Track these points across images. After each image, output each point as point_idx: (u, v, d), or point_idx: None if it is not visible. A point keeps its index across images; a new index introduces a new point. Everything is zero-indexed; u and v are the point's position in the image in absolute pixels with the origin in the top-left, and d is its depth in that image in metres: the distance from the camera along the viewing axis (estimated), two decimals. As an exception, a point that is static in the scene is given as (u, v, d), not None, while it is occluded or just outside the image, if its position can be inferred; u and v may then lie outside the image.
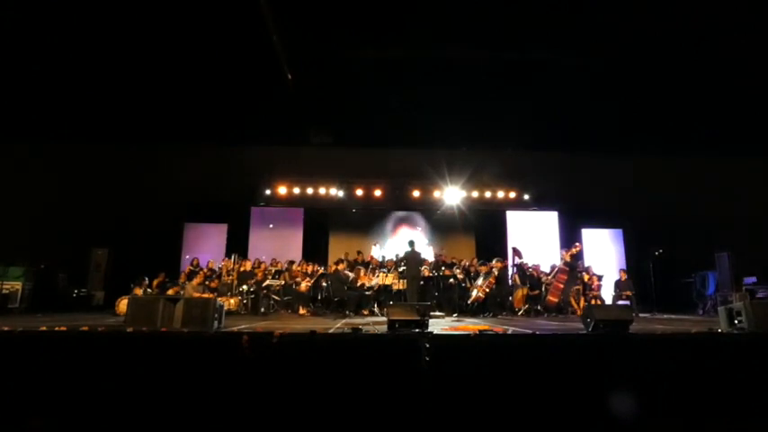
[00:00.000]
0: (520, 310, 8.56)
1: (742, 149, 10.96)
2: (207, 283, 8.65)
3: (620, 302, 9.19)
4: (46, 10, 7.00)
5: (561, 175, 11.65)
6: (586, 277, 9.18)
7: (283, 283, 8.97)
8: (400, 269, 8.73)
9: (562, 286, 8.45)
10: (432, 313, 6.62)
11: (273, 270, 9.47)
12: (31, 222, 10.32)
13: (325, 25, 7.51)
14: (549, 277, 8.96)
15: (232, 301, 8.33)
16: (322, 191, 11.89)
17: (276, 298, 8.80)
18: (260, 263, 9.64)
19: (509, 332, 4.98)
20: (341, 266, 9.08)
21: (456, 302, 8.69)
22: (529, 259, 9.83)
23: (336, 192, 11.89)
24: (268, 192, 11.91)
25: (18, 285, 8.83)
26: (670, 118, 10.00)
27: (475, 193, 11.99)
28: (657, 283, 9.77)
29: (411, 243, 8.77)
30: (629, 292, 9.33)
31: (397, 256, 10.18)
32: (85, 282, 10.09)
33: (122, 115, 10.03)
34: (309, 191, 11.85)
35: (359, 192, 11.86)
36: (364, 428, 3.60)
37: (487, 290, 8.31)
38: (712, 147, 10.80)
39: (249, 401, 3.63)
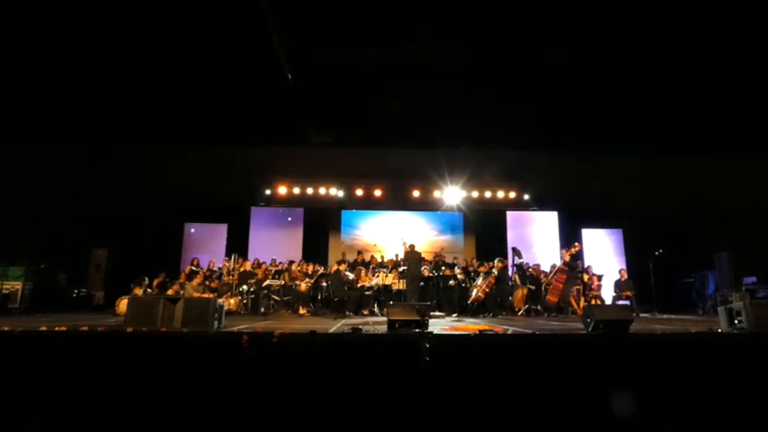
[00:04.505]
0: (520, 310, 8.55)
1: (742, 149, 10.96)
2: (207, 283, 8.65)
3: (620, 302, 9.19)
4: (49, 8, 7.00)
5: (561, 175, 11.65)
6: (586, 277, 9.18)
7: (283, 283, 8.97)
8: (400, 269, 8.73)
9: (562, 286, 8.45)
10: (432, 313, 6.64)
11: (273, 270, 9.48)
12: (31, 222, 10.31)
13: (325, 25, 7.51)
14: (549, 277, 8.96)
15: (232, 301, 8.32)
16: (322, 191, 11.90)
17: (276, 298, 8.79)
18: (260, 263, 9.64)
19: (509, 332, 4.98)
20: (341, 267, 9.08)
21: (456, 302, 8.69)
22: (529, 259, 9.82)
23: (336, 192, 11.90)
24: (268, 192, 11.92)
25: (18, 285, 8.82)
26: (670, 118, 10.00)
27: (475, 193, 12.00)
28: (657, 283, 9.76)
29: (411, 245, 8.78)
30: (629, 292, 9.33)
31: (396, 255, 10.19)
32: (85, 282, 10.08)
33: (123, 115, 10.03)
34: (309, 191, 11.87)
35: (359, 192, 11.87)
36: (364, 428, 3.60)
37: (487, 290, 8.31)
38: (712, 147, 10.79)
39: (249, 401, 3.62)
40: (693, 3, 6.79)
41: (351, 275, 8.93)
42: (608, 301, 9.53)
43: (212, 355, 3.83)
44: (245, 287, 8.67)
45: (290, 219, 11.80)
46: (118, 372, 3.73)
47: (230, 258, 9.27)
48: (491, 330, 4.93)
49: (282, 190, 11.87)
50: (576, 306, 8.68)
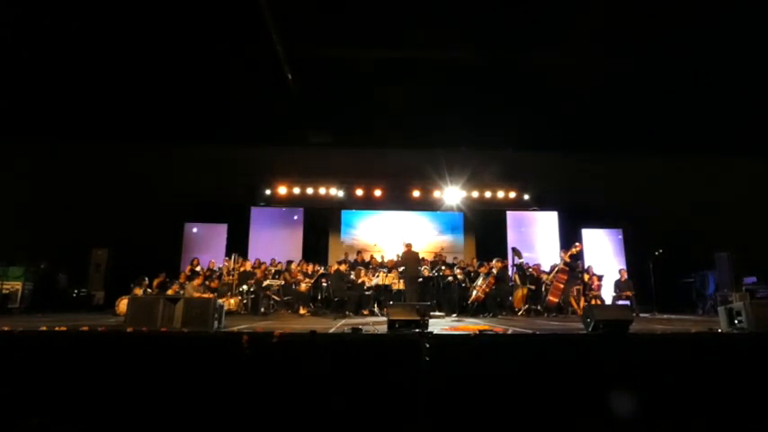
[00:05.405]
0: (520, 310, 8.55)
1: (742, 149, 10.96)
2: (207, 283, 8.65)
3: (620, 302, 9.18)
4: (50, 8, 7.00)
5: (561, 175, 11.65)
6: (586, 277, 9.17)
7: (283, 283, 8.97)
8: (400, 269, 8.72)
9: (562, 286, 8.45)
10: (432, 313, 6.63)
11: (273, 270, 9.47)
12: (31, 222, 10.31)
13: (325, 25, 7.51)
14: (550, 277, 8.96)
15: (232, 301, 8.32)
16: (322, 191, 11.90)
17: (276, 298, 8.79)
18: (260, 263, 9.64)
19: (509, 332, 4.98)
20: (342, 267, 9.08)
21: (456, 302, 8.69)
22: (529, 259, 9.80)
23: (336, 192, 11.90)
24: (268, 192, 11.92)
25: (18, 285, 8.82)
26: (670, 118, 10.00)
27: (475, 193, 12.00)
28: (657, 283, 9.76)
29: (408, 244, 8.76)
30: (629, 292, 9.32)
31: (397, 256, 10.20)
32: (85, 282, 10.08)
33: (122, 115, 10.03)
34: (309, 191, 11.86)
35: (359, 192, 11.87)
36: (364, 429, 3.60)
37: (487, 290, 8.31)
38: (712, 147, 10.80)
39: (249, 401, 3.63)
40: (693, 3, 6.79)
41: (351, 275, 8.93)
42: (608, 301, 9.53)
43: (212, 355, 3.83)
44: (245, 287, 8.67)
45: (295, 217, 11.81)
46: (118, 372, 3.73)
47: (230, 258, 9.27)
48: (491, 330, 4.93)
49: (282, 190, 11.87)
50: (576, 306, 8.68)
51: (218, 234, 11.33)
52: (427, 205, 12.14)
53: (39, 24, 7.35)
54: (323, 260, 10.93)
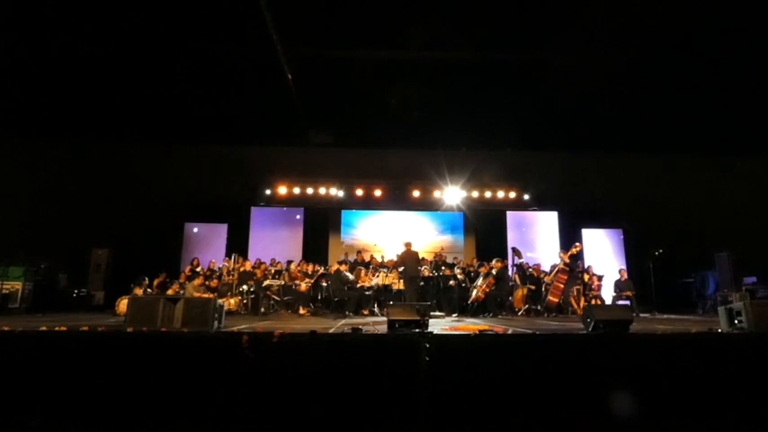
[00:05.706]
0: (520, 310, 8.55)
1: (742, 149, 10.97)
2: (207, 283, 8.65)
3: (620, 302, 9.18)
4: (51, 7, 7.00)
5: (561, 175, 11.66)
6: (586, 277, 9.17)
7: (283, 283, 8.97)
8: (400, 269, 8.71)
9: (562, 286, 8.44)
10: (432, 313, 6.63)
11: (273, 270, 9.47)
12: (31, 222, 10.32)
13: (324, 25, 7.51)
14: (550, 277, 8.96)
15: (232, 301, 8.32)
16: (322, 191, 11.89)
17: (276, 298, 8.79)
18: (260, 263, 9.64)
19: (509, 332, 4.98)
20: (342, 267, 9.07)
21: (456, 302, 8.68)
22: (529, 259, 9.80)
23: (336, 192, 11.90)
24: (268, 192, 11.92)
25: (18, 285, 8.80)
26: (670, 118, 10.01)
27: (475, 193, 11.99)
28: (657, 283, 9.76)
29: (407, 243, 8.74)
30: (629, 292, 9.32)
31: (397, 255, 10.18)
32: (85, 282, 10.07)
33: (123, 115, 10.04)
34: (309, 191, 11.86)
35: (359, 192, 11.87)
36: (364, 428, 3.60)
37: (487, 290, 8.30)
38: (712, 147, 10.80)
39: (249, 401, 3.62)
40: (691, 4, 6.80)
41: (350, 276, 8.93)
42: (608, 301, 9.53)
43: (212, 355, 3.83)
44: (245, 287, 8.67)
45: (297, 217, 11.81)
46: (118, 372, 3.73)
47: (230, 258, 9.27)
48: (491, 330, 4.93)
49: (282, 190, 11.86)
50: (576, 306, 8.68)
51: (219, 234, 11.34)
52: (427, 205, 12.14)
53: (39, 24, 7.35)
54: (323, 260, 10.93)
